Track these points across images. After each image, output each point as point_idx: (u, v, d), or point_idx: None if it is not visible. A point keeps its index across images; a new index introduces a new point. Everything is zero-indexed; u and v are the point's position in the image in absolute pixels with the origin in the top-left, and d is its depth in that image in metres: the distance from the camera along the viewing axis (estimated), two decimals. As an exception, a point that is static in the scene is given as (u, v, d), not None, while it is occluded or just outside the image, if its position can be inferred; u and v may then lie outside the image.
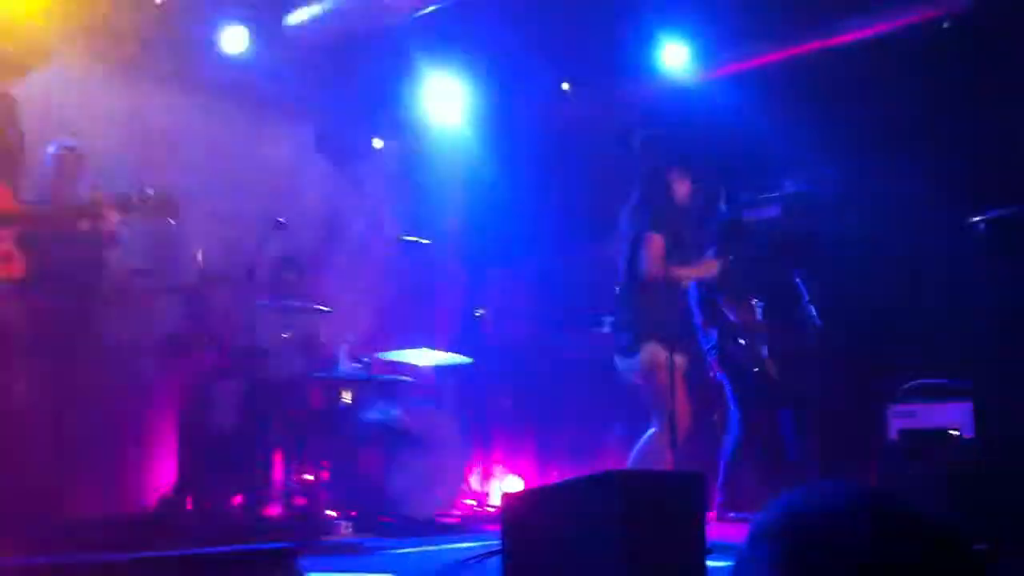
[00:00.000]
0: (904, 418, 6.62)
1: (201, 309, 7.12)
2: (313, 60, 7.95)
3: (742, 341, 6.43)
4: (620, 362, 5.59)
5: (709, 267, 5.38)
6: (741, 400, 6.47)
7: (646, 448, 5.23)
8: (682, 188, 5.45)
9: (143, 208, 5.62)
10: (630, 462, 5.32)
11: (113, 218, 5.67)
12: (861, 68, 7.85)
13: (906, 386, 6.84)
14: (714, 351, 6.69)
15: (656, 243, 5.22)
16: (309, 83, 8.30)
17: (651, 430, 5.26)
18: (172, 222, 5.82)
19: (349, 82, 8.39)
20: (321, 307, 7.04)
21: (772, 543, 1.06)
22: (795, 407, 6.51)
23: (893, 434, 6.63)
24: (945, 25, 6.92)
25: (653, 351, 5.21)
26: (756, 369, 6.36)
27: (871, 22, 7.59)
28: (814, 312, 6.50)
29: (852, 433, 7.12)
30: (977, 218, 6.85)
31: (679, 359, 5.19)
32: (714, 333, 6.58)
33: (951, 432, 6.49)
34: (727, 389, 6.66)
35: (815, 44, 7.89)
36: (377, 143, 9.07)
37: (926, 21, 7.27)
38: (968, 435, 6.42)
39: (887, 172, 7.40)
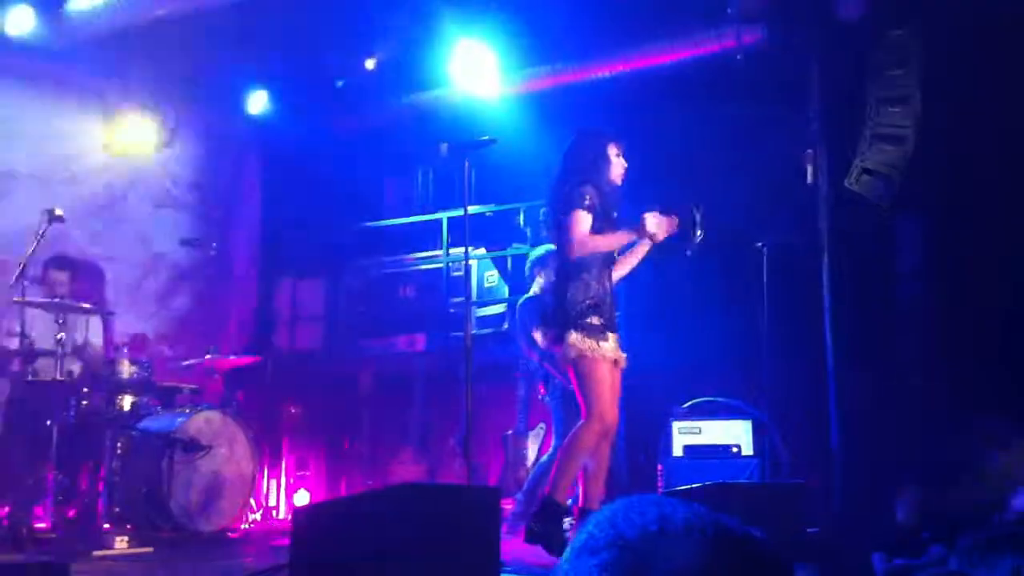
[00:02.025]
0: (688, 435, 6.87)
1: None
2: (103, 47, 7.56)
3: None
4: (550, 353, 5.67)
5: (629, 235, 5.25)
6: (568, 419, 6.47)
7: (573, 441, 5.07)
8: (617, 167, 5.39)
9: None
10: (558, 459, 5.21)
11: None
12: (658, 93, 8.14)
13: (687, 404, 7.09)
14: (544, 371, 6.68)
15: (582, 220, 5.14)
16: (98, 71, 7.91)
17: (580, 422, 5.16)
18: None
19: (145, 74, 8.02)
20: (98, 308, 6.67)
21: (593, 557, 1.04)
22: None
23: (678, 449, 6.86)
24: (739, 57, 7.22)
25: (579, 339, 5.14)
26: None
27: (668, 49, 7.86)
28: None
29: (642, 448, 7.34)
30: (759, 243, 7.20)
31: (608, 346, 5.10)
32: (544, 355, 6.57)
33: (732, 448, 6.77)
34: (553, 410, 6.66)
35: (615, 67, 8.11)
36: (169, 133, 8.66)
37: (723, 51, 7.59)
38: (748, 451, 6.72)
39: (674, 196, 7.69)
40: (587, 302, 5.08)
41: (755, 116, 7.82)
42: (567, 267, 5.19)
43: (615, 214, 5.25)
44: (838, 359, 5.72)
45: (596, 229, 5.11)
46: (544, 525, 5.01)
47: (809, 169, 6.40)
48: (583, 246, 5.08)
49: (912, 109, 6.24)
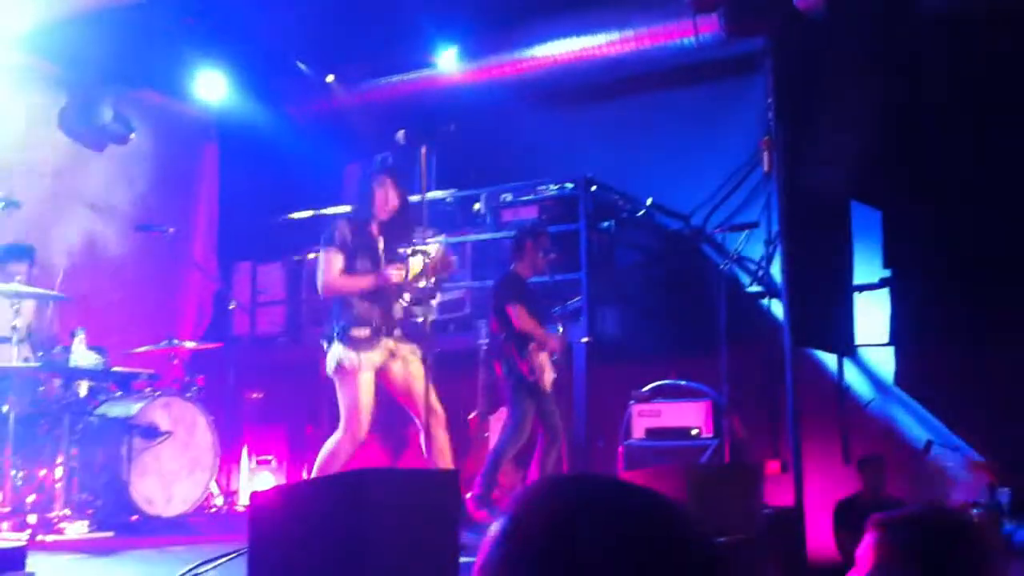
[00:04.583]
0: (649, 417, 6.94)
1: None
2: (62, 27, 7.47)
3: (526, 349, 6.49)
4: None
5: (380, 277, 5.42)
6: (518, 406, 6.52)
7: (327, 450, 5.30)
8: (385, 195, 5.51)
9: None
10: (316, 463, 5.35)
11: None
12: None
13: (648, 387, 7.17)
14: (498, 354, 6.71)
15: (331, 259, 5.36)
16: (56, 54, 7.81)
17: (336, 433, 5.33)
18: None
19: (102, 56, 7.92)
20: (54, 294, 6.61)
21: (523, 533, 1.06)
22: (555, 419, 6.62)
23: (639, 432, 6.94)
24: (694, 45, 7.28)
25: (340, 352, 5.29)
26: (532, 378, 6.44)
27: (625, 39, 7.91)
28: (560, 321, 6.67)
29: (605, 430, 7.40)
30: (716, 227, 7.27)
31: (367, 359, 5.27)
32: (501, 336, 6.61)
33: (692, 431, 6.85)
34: (509, 392, 6.70)
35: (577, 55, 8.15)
36: (130, 126, 8.55)
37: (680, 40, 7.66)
38: (706, 433, 6.80)
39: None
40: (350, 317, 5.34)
41: (712, 104, 7.92)
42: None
43: (380, 248, 5.48)
44: (794, 343, 5.80)
45: (348, 266, 5.37)
46: None
47: (765, 157, 6.47)
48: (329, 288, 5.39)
49: (870, 97, 6.32)
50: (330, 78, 8.93)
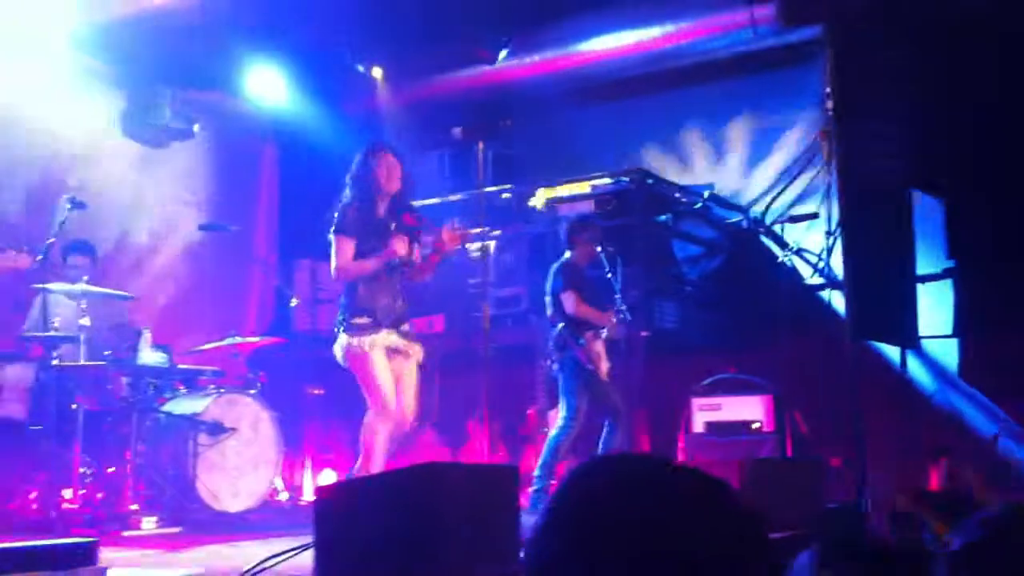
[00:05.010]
0: (708, 411, 6.91)
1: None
2: (122, 29, 7.59)
3: (582, 338, 6.50)
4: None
5: (388, 253, 5.48)
6: (574, 395, 6.53)
7: (365, 431, 5.48)
8: (386, 171, 5.57)
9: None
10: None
11: None
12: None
13: (708, 381, 7.13)
14: (554, 345, 6.73)
15: (342, 244, 5.45)
16: (117, 55, 7.94)
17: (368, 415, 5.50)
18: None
19: (160, 58, 8.05)
20: (120, 293, 6.73)
21: (560, 509, 1.08)
22: (614, 401, 6.62)
23: (700, 426, 6.91)
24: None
25: (345, 341, 5.41)
26: (590, 367, 6.45)
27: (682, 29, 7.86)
28: (623, 307, 6.65)
29: (664, 424, 7.38)
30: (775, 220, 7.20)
31: (372, 341, 5.37)
32: (558, 327, 6.63)
33: (752, 425, 6.81)
34: (563, 383, 6.70)
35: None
36: (194, 124, 8.67)
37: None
38: (767, 428, 6.75)
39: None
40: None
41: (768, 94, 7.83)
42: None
43: (392, 224, 5.53)
44: (856, 335, 5.73)
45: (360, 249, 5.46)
46: None
47: (823, 146, 6.40)
48: (342, 272, 5.48)
49: (929, 84, 6.24)
50: (377, 72, 8.94)
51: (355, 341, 5.38)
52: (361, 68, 8.86)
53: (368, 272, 5.43)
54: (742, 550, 1.08)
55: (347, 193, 5.61)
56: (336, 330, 5.51)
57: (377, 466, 5.30)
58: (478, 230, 5.75)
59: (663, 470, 1.12)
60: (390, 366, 5.46)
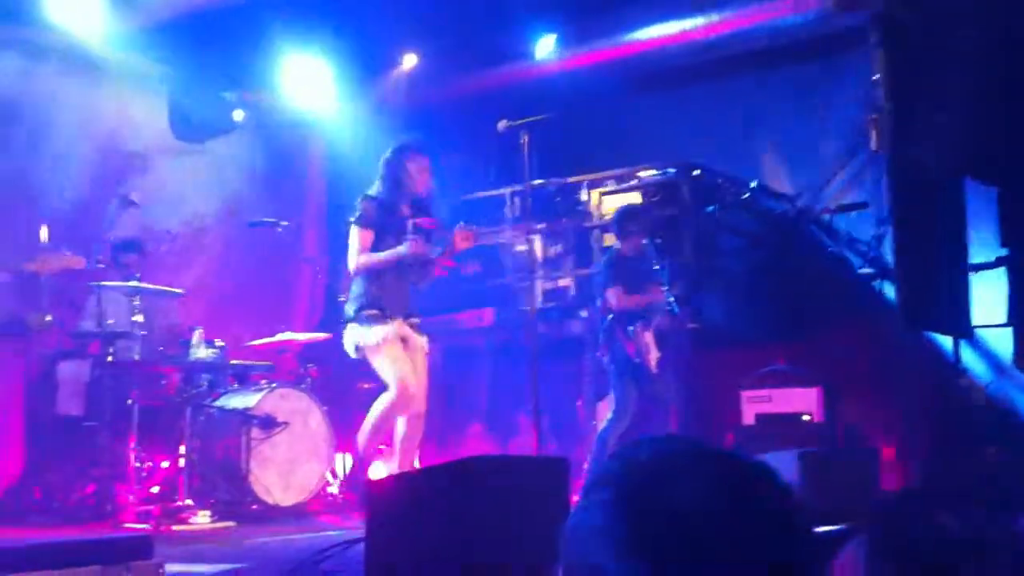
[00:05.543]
0: (758, 403, 6.86)
1: (39, 289, 6.78)
2: (167, 27, 7.67)
3: (631, 328, 6.51)
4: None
5: (409, 246, 5.56)
6: (623, 388, 6.54)
7: (379, 408, 5.67)
8: (417, 173, 5.67)
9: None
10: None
11: None
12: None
13: (758, 373, 7.08)
14: (603, 337, 6.73)
15: (361, 237, 5.62)
16: (161, 52, 8.03)
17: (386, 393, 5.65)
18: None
19: (207, 55, 8.13)
20: (172, 289, 6.82)
21: (605, 490, 1.10)
22: (662, 392, 6.61)
23: (749, 418, 6.86)
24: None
25: (356, 332, 5.60)
26: (638, 359, 6.45)
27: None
28: (671, 299, 6.62)
29: (711, 416, 7.34)
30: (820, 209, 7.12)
31: (383, 331, 5.54)
32: (607, 318, 6.64)
33: (803, 416, 6.75)
34: (612, 375, 6.70)
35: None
36: (237, 115, 8.74)
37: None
38: (818, 419, 6.69)
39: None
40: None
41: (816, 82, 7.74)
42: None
43: (411, 223, 5.65)
44: (908, 325, 5.67)
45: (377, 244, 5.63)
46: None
47: (874, 134, 6.33)
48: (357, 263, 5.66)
49: (981, 70, 6.14)
50: (410, 59, 8.96)
51: (366, 331, 5.54)
52: (406, 62, 8.89)
53: (382, 265, 5.53)
54: (785, 538, 1.08)
55: (376, 186, 5.71)
56: (346, 322, 5.60)
57: (387, 441, 5.48)
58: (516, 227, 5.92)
59: (709, 452, 1.13)
60: (404, 353, 5.61)
